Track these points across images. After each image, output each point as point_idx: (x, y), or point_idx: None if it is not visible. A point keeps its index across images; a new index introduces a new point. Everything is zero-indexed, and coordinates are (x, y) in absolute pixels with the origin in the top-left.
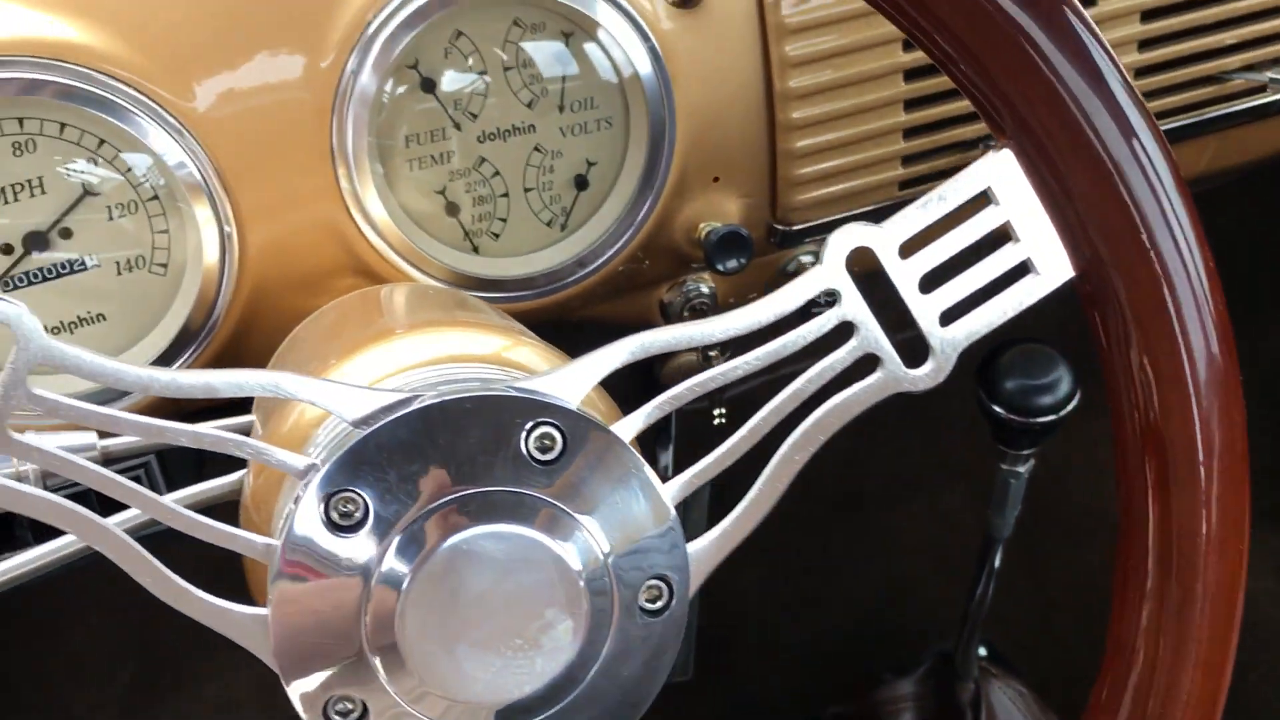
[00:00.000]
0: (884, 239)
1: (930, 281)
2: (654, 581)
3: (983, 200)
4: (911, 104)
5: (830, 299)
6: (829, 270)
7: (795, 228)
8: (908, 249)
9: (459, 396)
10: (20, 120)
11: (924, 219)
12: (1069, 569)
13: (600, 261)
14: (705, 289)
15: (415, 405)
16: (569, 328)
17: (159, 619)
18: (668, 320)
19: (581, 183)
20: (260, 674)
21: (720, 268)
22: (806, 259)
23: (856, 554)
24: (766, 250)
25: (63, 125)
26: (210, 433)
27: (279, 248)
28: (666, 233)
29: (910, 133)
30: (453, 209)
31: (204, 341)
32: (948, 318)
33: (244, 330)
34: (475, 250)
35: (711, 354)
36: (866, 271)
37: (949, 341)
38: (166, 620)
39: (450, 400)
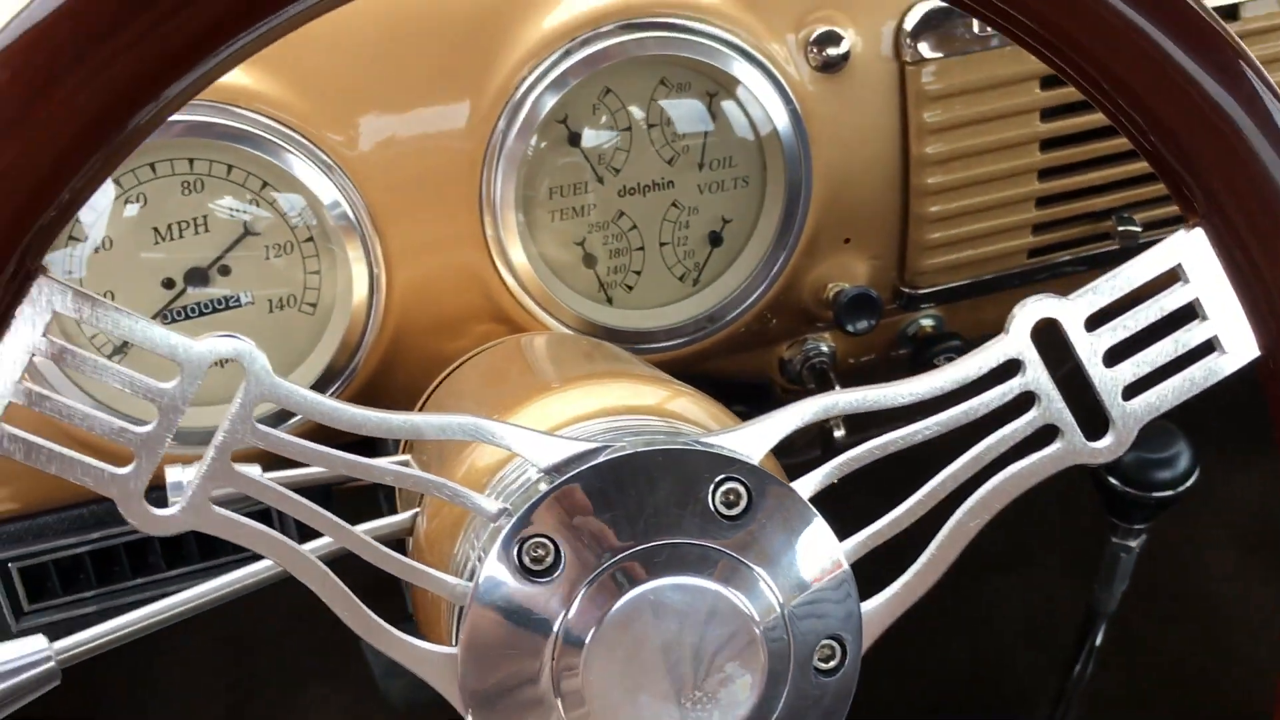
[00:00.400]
0: (1071, 311)
1: (1113, 355)
2: (828, 641)
3: (1170, 276)
4: (1046, 173)
5: (1012, 369)
6: (1015, 340)
7: (921, 291)
8: (1092, 321)
9: (651, 449)
10: (190, 160)
11: (1112, 293)
12: (1163, 650)
13: (730, 318)
14: (825, 348)
15: (608, 456)
16: (686, 380)
17: (251, 654)
18: (785, 377)
19: (716, 239)
20: (348, 708)
21: (850, 328)
22: (927, 322)
23: (945, 623)
24: (889, 312)
25: (230, 167)
26: (411, 473)
27: (423, 290)
28: (795, 292)
29: (1043, 201)
30: (590, 260)
31: (347, 379)
32: (1130, 392)
33: (385, 370)
34: (609, 301)
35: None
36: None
37: (1131, 415)
38: (258, 656)
39: (642, 453)
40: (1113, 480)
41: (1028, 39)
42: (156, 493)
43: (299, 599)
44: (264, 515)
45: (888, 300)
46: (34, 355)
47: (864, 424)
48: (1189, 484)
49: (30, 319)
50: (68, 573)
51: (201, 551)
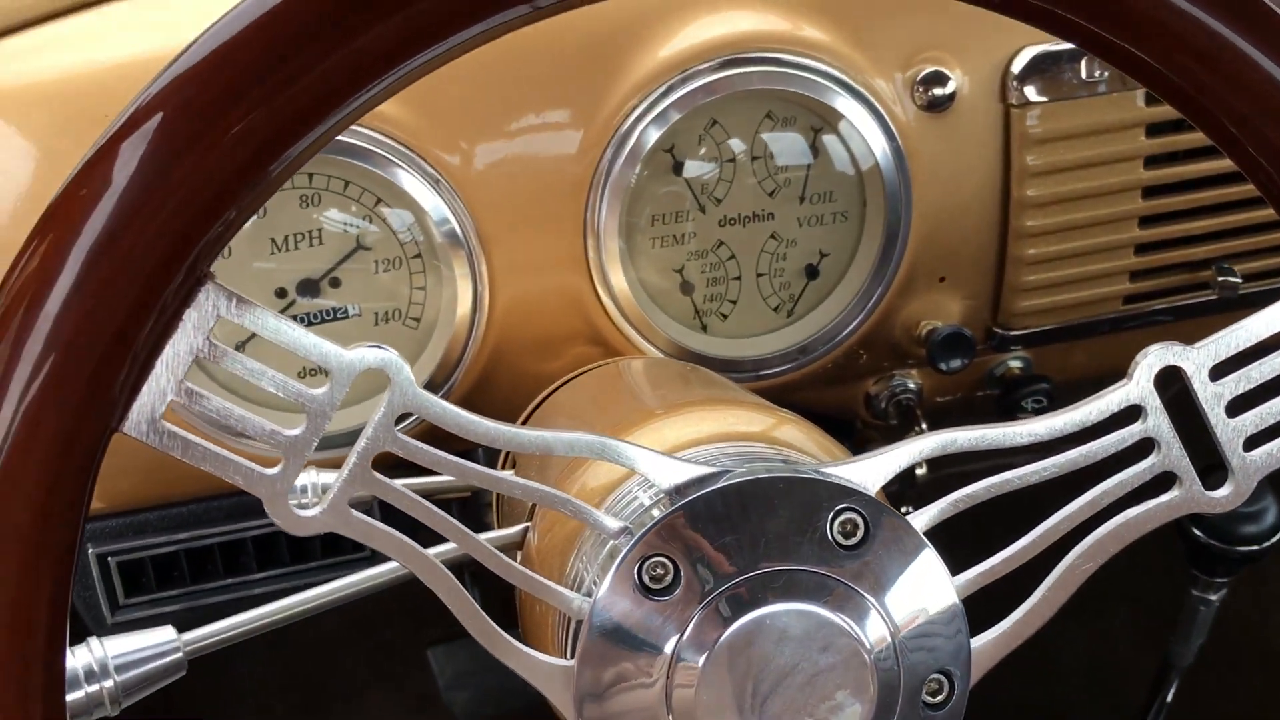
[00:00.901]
0: (1196, 360)
1: (1235, 406)
2: (937, 675)
3: None
4: (1146, 221)
5: (1132, 414)
6: (1137, 386)
7: (1013, 333)
8: (1215, 371)
9: (773, 476)
10: (310, 175)
11: (1237, 344)
12: (1231, 707)
13: (822, 351)
14: (912, 385)
15: (730, 480)
16: None
17: (310, 660)
18: (870, 412)
19: (812, 272)
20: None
21: (943, 366)
22: (1015, 364)
23: (1012, 675)
24: (978, 352)
25: (346, 182)
26: (541, 488)
27: (523, 309)
28: (888, 328)
29: (1142, 249)
30: (687, 288)
31: (445, 394)
32: (1252, 443)
33: (482, 386)
34: (704, 329)
35: None
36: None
37: (1252, 466)
38: (317, 662)
39: (765, 479)
40: (1198, 532)
41: (1164, 90)
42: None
43: (355, 607)
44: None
45: (978, 340)
46: (198, 356)
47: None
48: (1275, 539)
49: (196, 322)
50: (163, 569)
51: (291, 555)
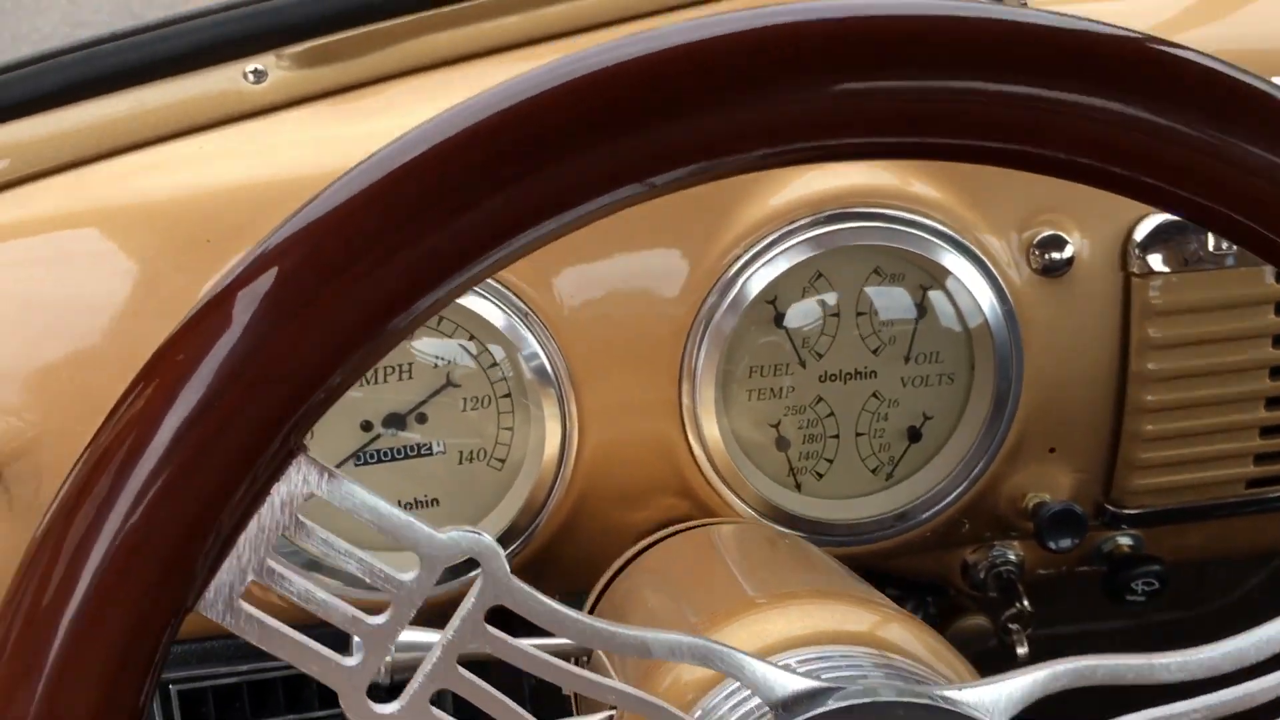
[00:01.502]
0: None
1: None
2: None
3: None
4: (1274, 402)
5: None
6: None
7: (1127, 511)
8: None
9: (890, 701)
10: None
11: None
12: None
13: (921, 518)
14: (1013, 556)
15: (842, 701)
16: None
17: None
18: (969, 582)
19: (914, 435)
20: None
21: (1052, 545)
22: (1125, 541)
23: None
24: (1090, 526)
25: (441, 317)
26: (636, 694)
27: (611, 455)
28: (992, 498)
29: (1268, 431)
30: (782, 443)
31: (526, 539)
32: None
33: (565, 533)
34: (797, 487)
35: (1012, 627)
36: None
37: None
38: None
39: (882, 702)
40: None
41: None
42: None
43: None
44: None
45: (1088, 515)
46: (284, 532)
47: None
48: None
49: (285, 497)
50: (224, 699)
51: None
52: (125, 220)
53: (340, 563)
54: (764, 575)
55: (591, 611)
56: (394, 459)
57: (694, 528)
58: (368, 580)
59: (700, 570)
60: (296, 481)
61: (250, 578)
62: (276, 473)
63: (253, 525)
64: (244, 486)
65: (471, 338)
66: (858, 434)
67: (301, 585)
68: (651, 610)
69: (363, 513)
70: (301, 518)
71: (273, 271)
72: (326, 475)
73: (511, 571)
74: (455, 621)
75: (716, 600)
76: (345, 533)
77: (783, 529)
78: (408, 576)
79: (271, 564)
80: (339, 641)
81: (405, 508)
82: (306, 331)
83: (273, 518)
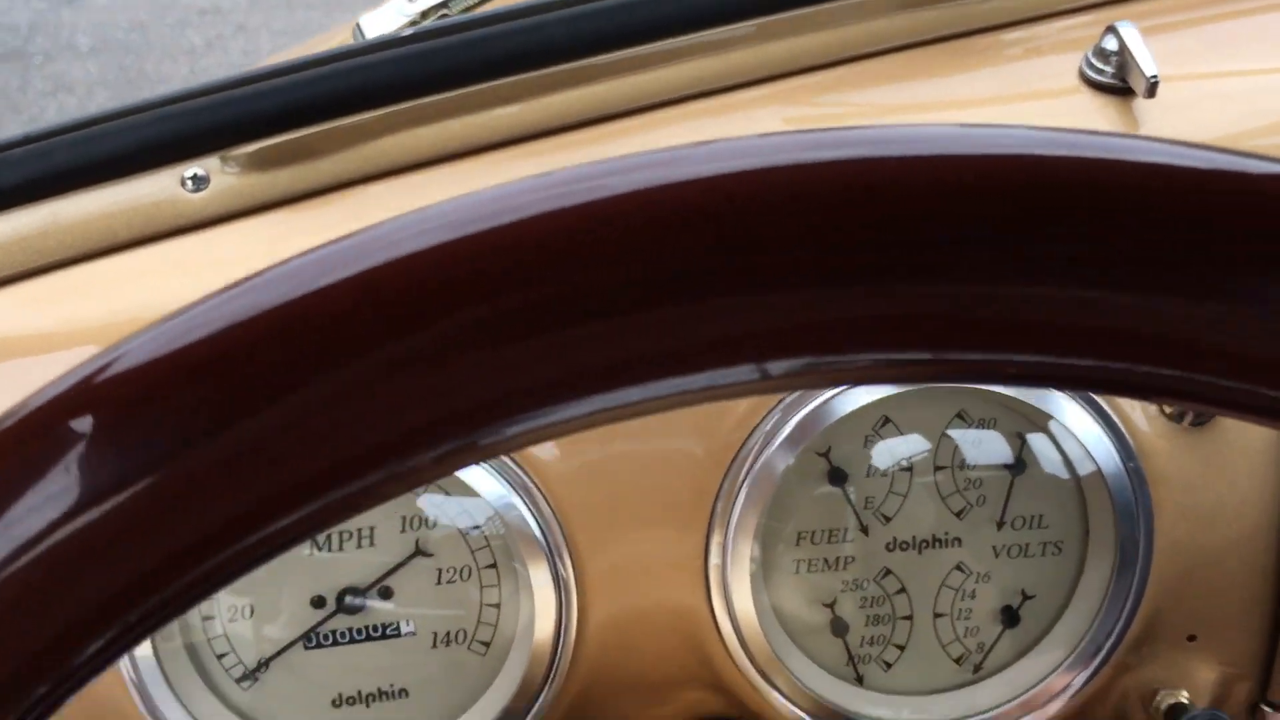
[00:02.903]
0: None
1: None
2: None
3: None
4: None
5: None
6: None
7: None
8: None
9: None
10: None
11: None
12: None
13: (1018, 718)
14: None
15: None
16: None
17: None
18: None
19: (1011, 618)
20: None
21: None
22: None
23: None
24: None
25: None
26: None
27: (621, 634)
28: (1112, 696)
29: None
30: (840, 626)
31: None
32: None
33: None
34: (859, 680)
35: None
36: None
37: None
38: None
39: None
40: None
41: None
42: None
43: None
44: None
45: (1240, 716)
46: None
47: None
48: None
49: None
50: None
51: None
52: (39, 348)
53: None
54: None
55: None
56: (353, 641)
57: None
58: None
59: None
60: None
61: None
62: None
63: None
64: None
65: (447, 495)
66: (937, 615)
67: None
68: None
69: None
70: None
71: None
72: None
73: None
74: None
75: None
76: None
77: None
78: None
79: None
80: None
81: (366, 700)
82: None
83: None
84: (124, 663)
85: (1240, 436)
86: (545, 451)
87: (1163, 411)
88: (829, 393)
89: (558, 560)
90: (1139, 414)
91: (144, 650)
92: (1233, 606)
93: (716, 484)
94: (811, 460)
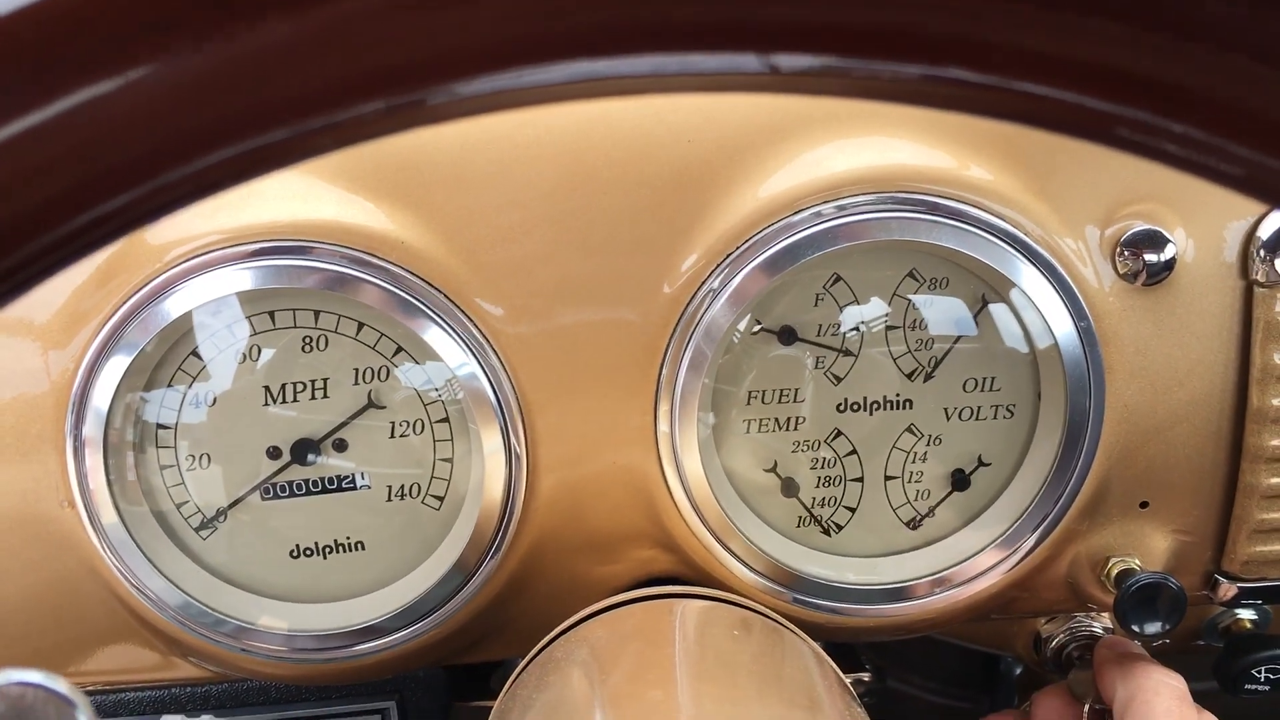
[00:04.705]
0: None
1: None
2: None
3: None
4: None
5: None
6: None
7: (1245, 584)
8: None
9: None
10: (316, 313)
11: None
12: None
13: (964, 582)
14: (1099, 629)
15: None
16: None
17: None
18: (1042, 657)
19: (961, 481)
20: None
21: (1134, 629)
22: (1247, 615)
23: None
24: (1196, 599)
25: (360, 324)
26: None
27: (573, 494)
28: (1062, 562)
29: None
30: (790, 487)
31: (470, 593)
32: None
33: (516, 589)
34: (808, 543)
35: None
36: None
37: None
38: None
39: None
40: None
41: None
42: None
43: None
44: None
45: (1195, 585)
46: None
47: None
48: None
49: None
50: None
51: None
52: None
53: None
54: (710, 694)
55: (515, 679)
56: (309, 493)
57: (655, 597)
58: None
59: (642, 656)
60: None
61: None
62: None
63: None
64: None
65: (398, 351)
66: (888, 477)
67: None
68: (565, 696)
69: None
70: None
71: None
72: None
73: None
74: None
75: (639, 706)
76: None
77: (784, 598)
78: None
79: None
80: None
81: (323, 552)
82: None
83: None
84: (96, 535)
85: (1196, 299)
86: (506, 317)
87: (1116, 271)
88: (776, 246)
89: (508, 420)
90: (1091, 273)
91: (111, 517)
92: (1186, 473)
93: (664, 344)
94: (763, 316)
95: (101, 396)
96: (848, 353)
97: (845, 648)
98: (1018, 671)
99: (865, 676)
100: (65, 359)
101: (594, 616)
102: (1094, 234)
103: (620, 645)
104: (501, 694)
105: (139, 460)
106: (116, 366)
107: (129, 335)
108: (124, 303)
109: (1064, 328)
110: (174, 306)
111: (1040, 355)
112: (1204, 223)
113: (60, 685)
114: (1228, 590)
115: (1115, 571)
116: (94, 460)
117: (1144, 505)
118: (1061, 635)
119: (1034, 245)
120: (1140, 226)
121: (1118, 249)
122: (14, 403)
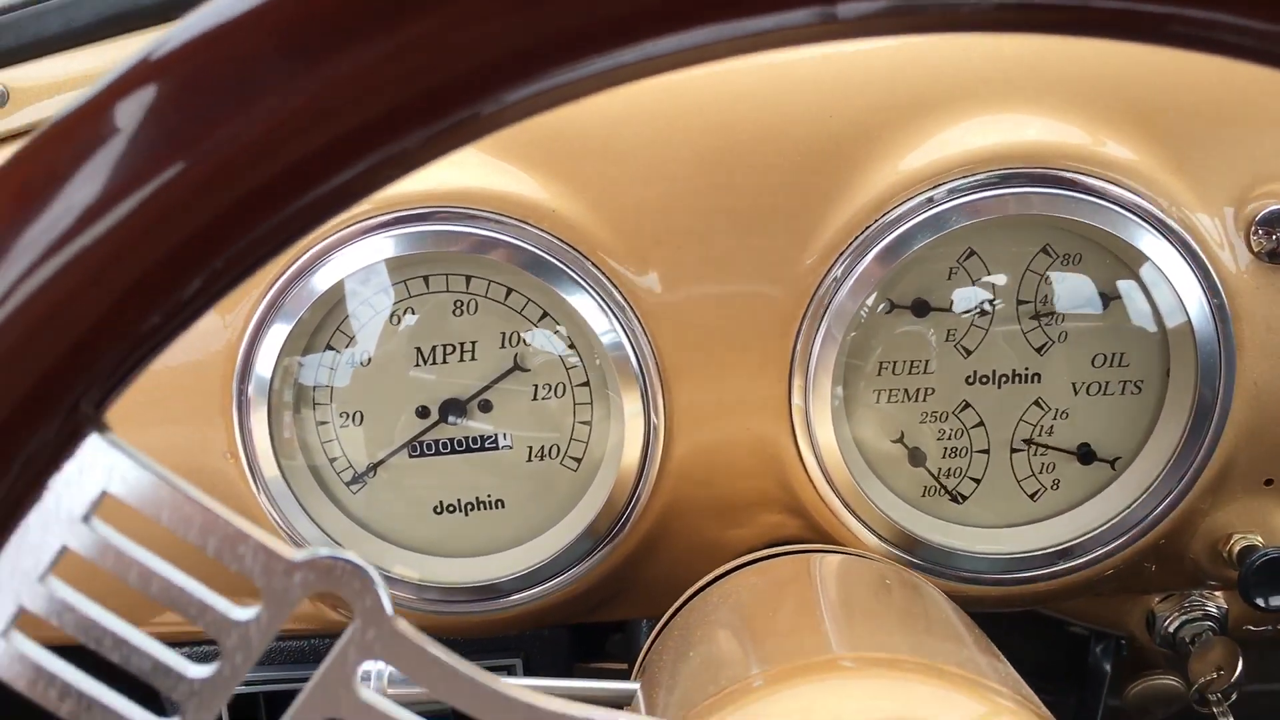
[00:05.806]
0: None
1: None
2: None
3: None
4: None
5: None
6: None
7: None
8: None
9: None
10: (468, 278)
11: None
12: None
13: (1089, 558)
14: (1214, 609)
15: None
16: (1015, 621)
17: None
18: (1154, 636)
19: (1087, 455)
20: None
21: (1259, 602)
22: None
23: None
24: None
25: (509, 290)
26: None
27: (706, 460)
28: (1185, 538)
29: None
30: (917, 457)
31: (603, 556)
32: None
33: (647, 550)
34: (934, 513)
35: (1211, 697)
36: None
37: None
38: None
39: None
40: None
41: None
42: None
43: None
44: None
45: None
46: (66, 547)
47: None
48: None
49: (71, 492)
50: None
51: None
52: None
53: (152, 589)
54: (862, 629)
55: (656, 638)
56: (454, 451)
57: (792, 553)
58: (189, 618)
59: (787, 607)
60: (89, 476)
61: (19, 605)
62: (55, 457)
63: (18, 535)
64: (10, 473)
65: (544, 316)
66: (1014, 450)
67: (96, 621)
68: (714, 650)
69: (177, 522)
70: (98, 525)
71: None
72: (130, 463)
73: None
74: (318, 675)
75: (792, 649)
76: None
77: (908, 565)
78: (245, 615)
79: (47, 588)
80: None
81: (466, 509)
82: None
83: (50, 523)
84: (256, 484)
85: None
86: (649, 286)
87: (1251, 249)
88: (914, 220)
89: (649, 388)
90: (1226, 254)
91: (272, 471)
92: None
93: (799, 320)
94: (897, 290)
95: (265, 363)
96: (979, 326)
97: None
98: (1107, 665)
99: None
100: (232, 326)
101: (739, 570)
102: (1229, 212)
103: (777, 589)
104: (653, 636)
105: (296, 419)
106: (278, 334)
107: (287, 304)
108: (282, 273)
109: (1196, 305)
110: (328, 275)
111: (1171, 332)
112: None
113: (360, 560)
114: None
115: (1237, 549)
116: (258, 417)
117: (1268, 483)
118: (1176, 613)
119: (1169, 222)
120: (1275, 206)
121: (1252, 227)
122: (189, 365)
